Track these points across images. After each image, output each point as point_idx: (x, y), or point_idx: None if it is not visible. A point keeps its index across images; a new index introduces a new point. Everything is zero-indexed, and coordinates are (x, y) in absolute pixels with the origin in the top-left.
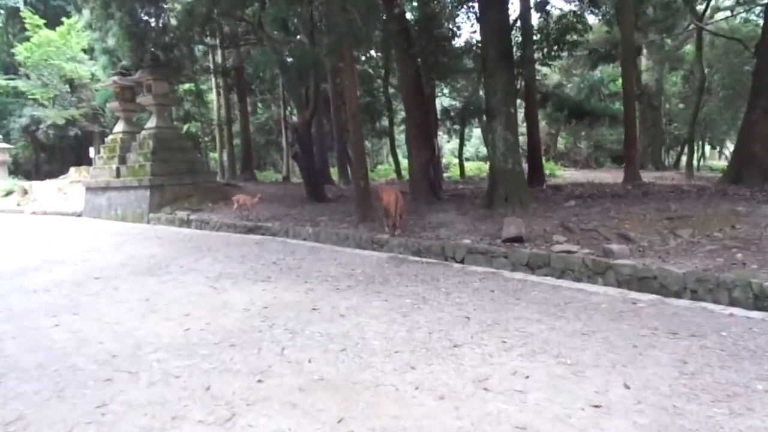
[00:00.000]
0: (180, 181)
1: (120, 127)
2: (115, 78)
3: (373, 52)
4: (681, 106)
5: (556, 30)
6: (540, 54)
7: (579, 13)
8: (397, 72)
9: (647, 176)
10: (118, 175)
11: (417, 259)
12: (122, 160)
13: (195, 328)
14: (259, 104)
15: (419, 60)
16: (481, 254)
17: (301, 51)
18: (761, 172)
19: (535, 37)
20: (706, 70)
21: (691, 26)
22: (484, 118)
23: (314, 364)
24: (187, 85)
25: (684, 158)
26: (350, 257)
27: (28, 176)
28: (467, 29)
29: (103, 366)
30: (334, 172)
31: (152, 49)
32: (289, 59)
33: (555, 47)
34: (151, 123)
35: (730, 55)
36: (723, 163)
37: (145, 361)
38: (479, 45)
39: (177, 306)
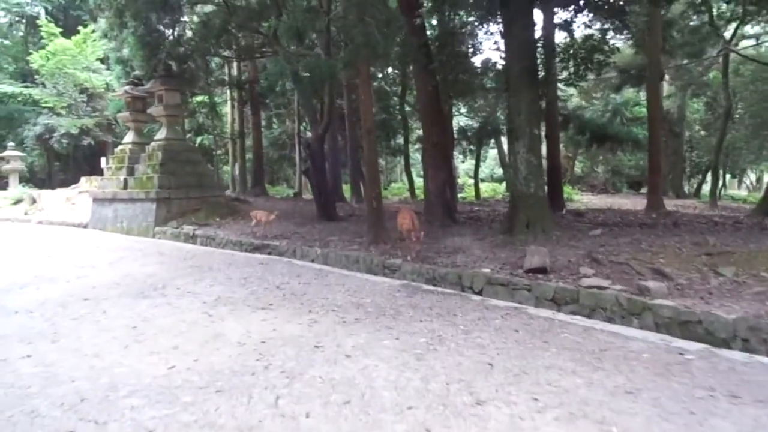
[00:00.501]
0: (187, 195)
1: (130, 137)
2: (127, 88)
3: (390, 69)
4: (703, 133)
5: (583, 50)
6: (566, 74)
7: (605, 34)
8: (415, 88)
9: (668, 204)
10: (125, 186)
11: (431, 288)
12: (130, 172)
13: (181, 366)
14: (274, 119)
15: (438, 76)
16: (502, 286)
17: (316, 63)
18: None
19: (559, 57)
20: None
21: (722, 51)
22: (505, 138)
23: (312, 419)
24: (200, 97)
25: (704, 186)
26: (360, 283)
27: (42, 185)
28: (488, 46)
29: (67, 413)
30: (346, 189)
31: (165, 60)
32: (305, 74)
33: (582, 67)
34: (161, 134)
35: (758, 82)
36: (743, 193)
37: (117, 407)
38: (502, 62)
39: (165, 337)
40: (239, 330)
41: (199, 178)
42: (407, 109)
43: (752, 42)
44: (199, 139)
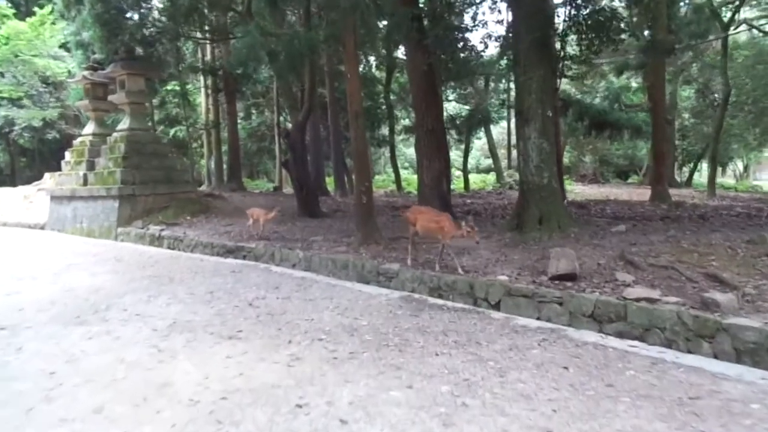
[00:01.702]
0: (154, 191)
1: (90, 128)
2: (86, 73)
3: (373, 58)
4: (692, 121)
5: (596, 20)
6: (578, 49)
7: (614, 9)
8: (406, 70)
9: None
10: (85, 182)
11: (438, 301)
12: (90, 166)
13: None
14: (253, 109)
15: (432, 55)
16: (525, 297)
17: (293, 36)
18: None
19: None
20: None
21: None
22: (494, 127)
23: None
24: (171, 85)
25: (696, 175)
26: (351, 297)
27: (6, 182)
28: (491, 18)
29: None
30: (330, 182)
31: (128, 42)
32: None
33: (597, 41)
34: (124, 124)
35: (759, 66)
36: (731, 181)
37: None
38: (508, 35)
39: (90, 390)
40: (194, 375)
41: (167, 172)
42: (392, 97)
43: (748, 27)
44: (172, 131)
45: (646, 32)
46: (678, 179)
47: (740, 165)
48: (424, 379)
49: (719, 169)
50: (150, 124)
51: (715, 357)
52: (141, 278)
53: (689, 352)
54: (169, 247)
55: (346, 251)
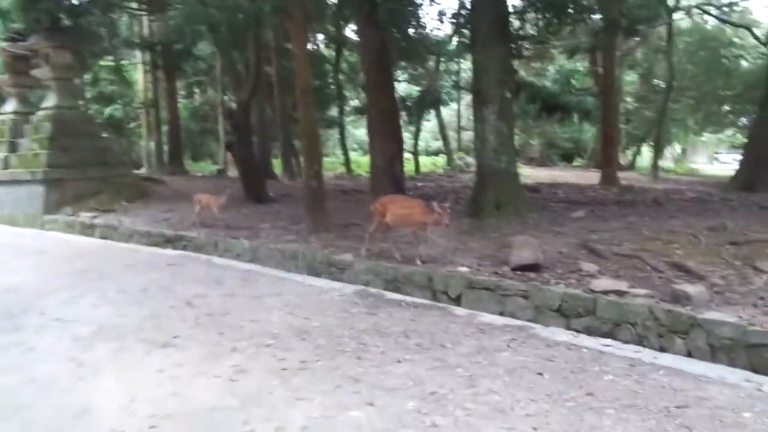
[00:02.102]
0: (86, 175)
1: (11, 106)
2: (5, 44)
3: (322, 37)
4: (636, 105)
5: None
6: (535, 27)
7: None
8: (358, 46)
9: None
10: (6, 166)
11: (396, 296)
12: (12, 148)
13: None
14: (196, 87)
15: (385, 31)
16: (488, 290)
17: (236, 6)
18: None
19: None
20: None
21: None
22: (445, 109)
23: None
24: (106, 61)
25: (639, 158)
26: (301, 292)
27: None
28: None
29: None
30: (277, 165)
31: (52, 10)
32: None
33: (555, 20)
34: (50, 102)
35: (702, 52)
36: (670, 164)
37: None
38: (464, 12)
39: None
40: (120, 397)
41: (100, 154)
42: (342, 77)
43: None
44: (107, 110)
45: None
46: (621, 162)
47: (678, 148)
48: (386, 393)
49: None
50: (81, 102)
51: (689, 354)
52: (66, 274)
53: (662, 349)
54: (101, 237)
55: (295, 240)
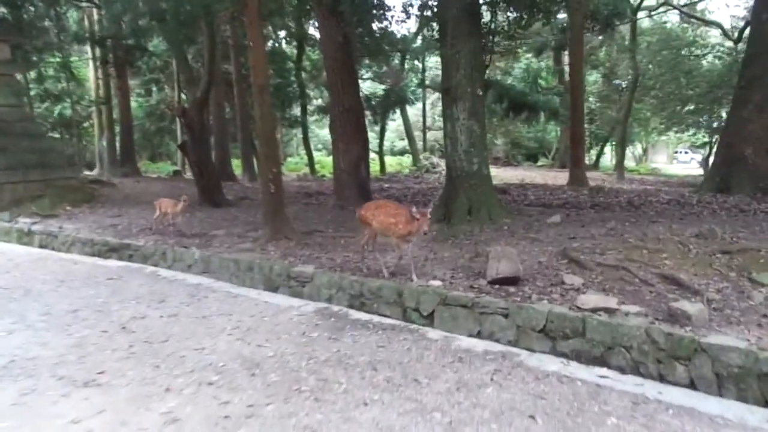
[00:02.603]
0: (26, 177)
1: None
2: None
3: (283, 34)
4: (599, 104)
5: None
6: (506, 21)
7: None
8: (320, 41)
9: (566, 176)
10: None
11: (362, 316)
12: None
13: None
14: (153, 85)
15: (347, 24)
16: (464, 308)
17: None
18: (753, 178)
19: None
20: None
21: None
22: (410, 108)
23: None
24: (53, 56)
25: (602, 158)
26: (255, 311)
27: None
28: None
29: None
30: (237, 165)
31: None
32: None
33: (526, 13)
34: None
35: (665, 52)
36: (632, 164)
37: None
38: (432, 5)
39: None
40: None
41: (42, 155)
42: (304, 75)
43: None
44: (57, 109)
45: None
46: (586, 162)
47: (639, 148)
48: None
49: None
50: (25, 99)
51: (692, 383)
52: None
53: (661, 377)
54: (40, 245)
55: (252, 249)
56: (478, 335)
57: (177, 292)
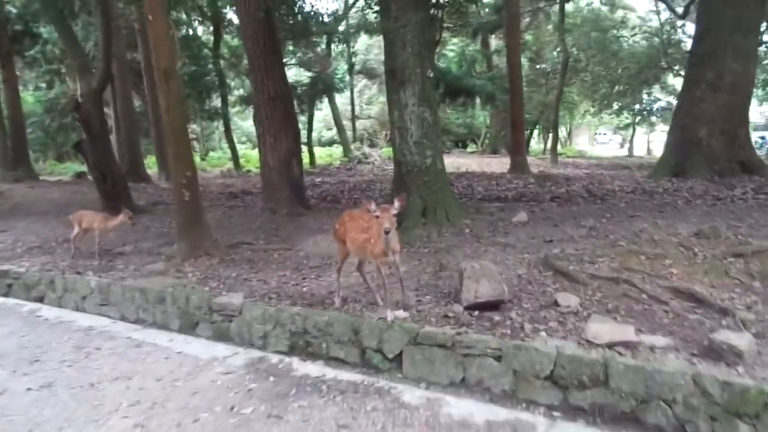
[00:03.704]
0: None
1: None
2: None
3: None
4: (526, 89)
5: None
6: None
7: None
8: (240, 24)
9: (505, 162)
10: None
11: (311, 369)
12: None
13: None
14: (56, 78)
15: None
16: (442, 348)
17: None
18: (709, 161)
19: None
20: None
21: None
22: (339, 97)
23: None
24: None
25: (533, 143)
26: (165, 371)
27: None
28: None
29: None
30: (152, 163)
31: None
32: None
33: None
34: None
35: (596, 33)
36: (558, 147)
37: None
38: None
39: None
40: None
41: None
42: (222, 63)
43: None
44: None
45: None
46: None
47: (564, 131)
48: None
49: (544, 136)
50: None
51: None
52: None
53: None
54: None
55: (165, 271)
56: (462, 383)
57: (60, 344)
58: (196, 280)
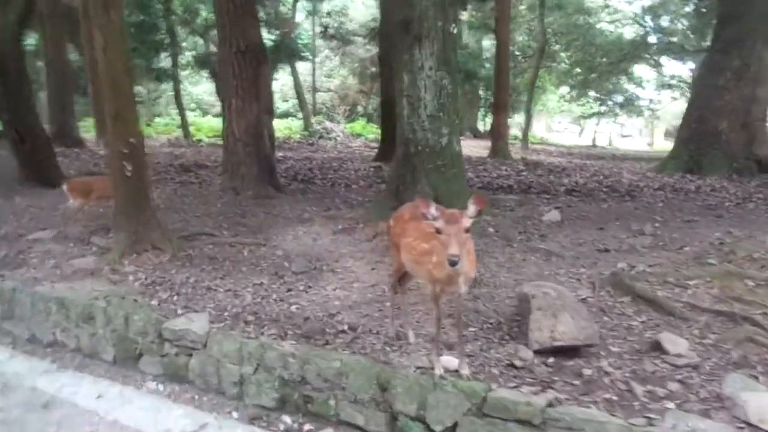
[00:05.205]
0: None
1: None
2: None
3: None
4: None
5: None
6: None
7: None
8: None
9: (470, 145)
10: None
11: None
12: None
13: None
14: None
15: None
16: (524, 426)
17: None
18: (728, 157)
19: None
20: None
21: None
22: (304, 64)
23: None
24: None
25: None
26: None
27: None
28: None
29: None
30: (88, 127)
31: None
32: None
33: None
34: None
35: (577, 15)
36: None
37: None
38: None
39: None
40: None
41: None
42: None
43: None
44: None
45: None
46: (481, 129)
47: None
48: None
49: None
50: None
51: None
52: None
53: None
54: None
55: (96, 270)
56: None
57: None
58: (140, 287)
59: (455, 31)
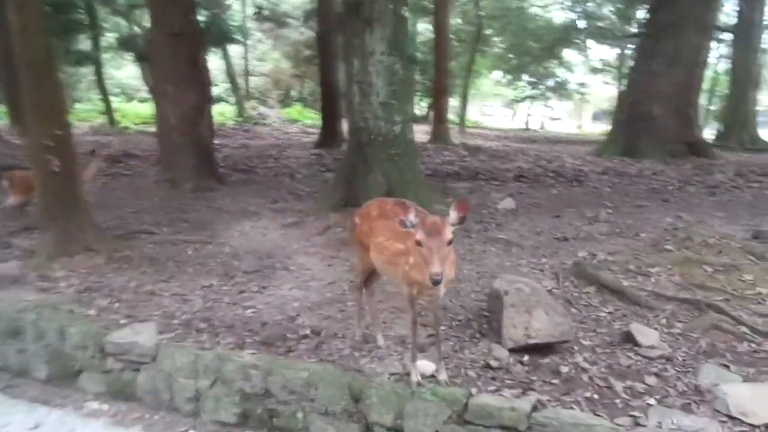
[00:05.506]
0: None
1: None
2: None
3: None
4: (429, 57)
5: None
6: None
7: None
8: None
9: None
10: None
11: None
12: None
13: None
14: None
15: None
16: None
17: None
18: (662, 141)
19: None
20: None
21: None
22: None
23: None
24: None
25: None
26: None
27: None
28: None
29: None
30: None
31: None
32: None
33: None
34: None
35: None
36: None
37: None
38: None
39: None
40: None
41: None
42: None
43: None
44: None
45: None
46: (418, 114)
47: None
48: None
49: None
50: None
51: None
52: None
53: None
54: None
55: (22, 275)
56: None
57: None
58: (74, 294)
59: (406, 15)
